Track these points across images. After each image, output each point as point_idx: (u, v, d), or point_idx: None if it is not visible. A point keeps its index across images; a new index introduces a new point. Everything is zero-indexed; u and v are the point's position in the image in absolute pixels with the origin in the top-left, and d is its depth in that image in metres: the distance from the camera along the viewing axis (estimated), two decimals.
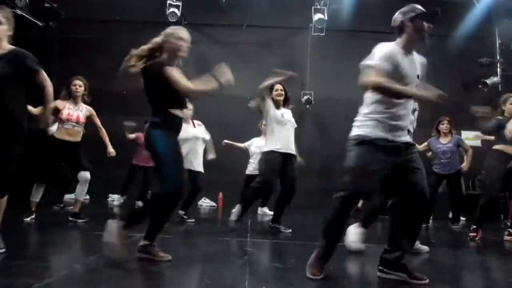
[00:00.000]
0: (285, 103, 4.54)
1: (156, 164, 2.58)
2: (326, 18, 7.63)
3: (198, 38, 8.69)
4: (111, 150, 4.73)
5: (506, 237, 4.17)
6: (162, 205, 2.53)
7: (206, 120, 8.00)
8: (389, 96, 2.24)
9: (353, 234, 3.27)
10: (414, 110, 2.56)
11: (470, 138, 8.17)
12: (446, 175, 5.49)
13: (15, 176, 2.63)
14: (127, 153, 7.82)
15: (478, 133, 8.19)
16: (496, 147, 4.41)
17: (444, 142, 5.58)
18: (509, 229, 4.29)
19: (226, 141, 6.51)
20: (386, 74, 2.21)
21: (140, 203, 6.52)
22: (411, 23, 2.34)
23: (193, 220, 4.99)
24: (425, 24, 2.33)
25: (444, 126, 5.59)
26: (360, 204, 6.49)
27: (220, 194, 7.44)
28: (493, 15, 8.31)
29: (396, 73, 2.25)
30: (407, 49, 2.37)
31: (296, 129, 4.60)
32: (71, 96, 4.56)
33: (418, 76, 2.39)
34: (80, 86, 4.59)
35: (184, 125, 3.86)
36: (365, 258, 3.26)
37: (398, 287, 2.27)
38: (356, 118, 2.44)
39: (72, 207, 4.61)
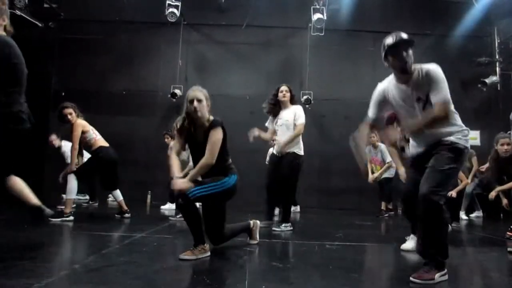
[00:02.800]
0: (292, 101, 4.64)
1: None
2: (325, 18, 7.63)
3: (197, 38, 8.71)
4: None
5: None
6: None
7: None
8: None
9: None
10: None
11: (470, 137, 8.18)
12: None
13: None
14: (125, 154, 7.85)
15: (477, 132, 8.23)
16: None
17: None
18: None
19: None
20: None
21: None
22: (386, 61, 2.49)
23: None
24: (394, 59, 2.42)
25: None
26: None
27: None
28: (492, 14, 8.33)
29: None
30: (400, 80, 2.50)
31: None
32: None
33: (418, 99, 2.45)
34: (71, 114, 4.79)
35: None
36: (365, 257, 3.26)
37: (400, 286, 2.28)
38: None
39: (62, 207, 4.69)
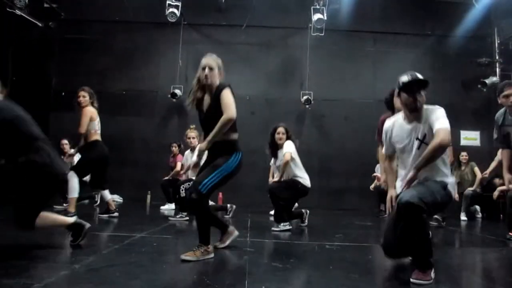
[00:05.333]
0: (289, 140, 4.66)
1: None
2: (325, 18, 7.63)
3: (197, 39, 8.71)
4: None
5: None
6: None
7: None
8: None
9: None
10: None
11: (470, 138, 8.18)
12: None
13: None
14: (125, 154, 7.86)
15: (477, 133, 8.23)
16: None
17: None
18: None
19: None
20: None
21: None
22: (399, 98, 2.58)
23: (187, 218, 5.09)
24: (405, 96, 2.50)
25: None
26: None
27: (220, 194, 7.44)
28: (492, 15, 8.33)
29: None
30: (407, 119, 2.58)
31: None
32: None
33: (417, 138, 2.52)
34: (84, 96, 4.83)
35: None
36: (365, 257, 3.26)
37: (400, 287, 2.28)
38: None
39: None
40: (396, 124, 2.67)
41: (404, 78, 2.51)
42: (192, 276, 2.35)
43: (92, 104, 4.85)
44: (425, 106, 2.54)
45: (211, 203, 7.46)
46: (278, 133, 4.60)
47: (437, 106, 2.51)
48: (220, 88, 2.80)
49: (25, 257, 2.50)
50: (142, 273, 2.26)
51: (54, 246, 3.03)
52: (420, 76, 2.52)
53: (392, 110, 3.64)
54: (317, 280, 2.28)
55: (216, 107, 2.77)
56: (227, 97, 2.76)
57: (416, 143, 2.53)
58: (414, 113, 2.53)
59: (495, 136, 3.98)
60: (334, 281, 2.26)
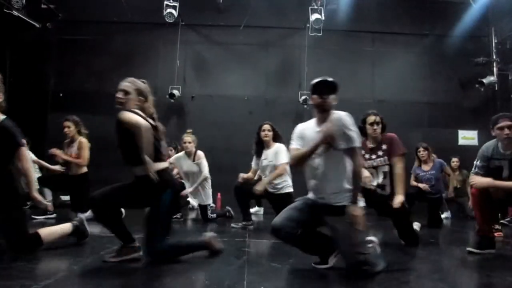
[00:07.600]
0: (276, 139, 4.62)
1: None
2: (323, 18, 7.63)
3: (195, 39, 8.70)
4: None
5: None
6: None
7: (204, 121, 8.01)
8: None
9: None
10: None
11: (468, 137, 8.20)
12: (428, 199, 5.43)
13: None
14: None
15: (475, 132, 8.24)
16: None
17: (426, 170, 5.58)
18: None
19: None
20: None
21: None
22: (312, 100, 2.63)
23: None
24: (315, 97, 2.57)
25: (420, 154, 5.60)
26: None
27: (219, 195, 7.44)
28: (489, 14, 8.35)
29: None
30: (318, 121, 2.63)
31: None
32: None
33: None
34: (68, 127, 4.83)
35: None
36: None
37: (397, 285, 2.28)
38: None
39: None
40: (309, 126, 2.69)
41: (314, 80, 2.59)
42: (191, 277, 2.35)
43: (79, 132, 4.87)
44: (335, 112, 2.59)
45: (212, 205, 7.46)
46: (264, 130, 4.57)
47: (345, 114, 2.56)
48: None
49: (24, 258, 2.49)
50: (140, 274, 2.26)
51: (52, 247, 3.03)
52: (329, 78, 2.59)
53: (366, 136, 3.74)
54: (316, 280, 2.29)
55: None
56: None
57: (323, 145, 2.49)
58: (324, 114, 2.57)
59: (477, 168, 3.48)
60: (333, 281, 2.26)
